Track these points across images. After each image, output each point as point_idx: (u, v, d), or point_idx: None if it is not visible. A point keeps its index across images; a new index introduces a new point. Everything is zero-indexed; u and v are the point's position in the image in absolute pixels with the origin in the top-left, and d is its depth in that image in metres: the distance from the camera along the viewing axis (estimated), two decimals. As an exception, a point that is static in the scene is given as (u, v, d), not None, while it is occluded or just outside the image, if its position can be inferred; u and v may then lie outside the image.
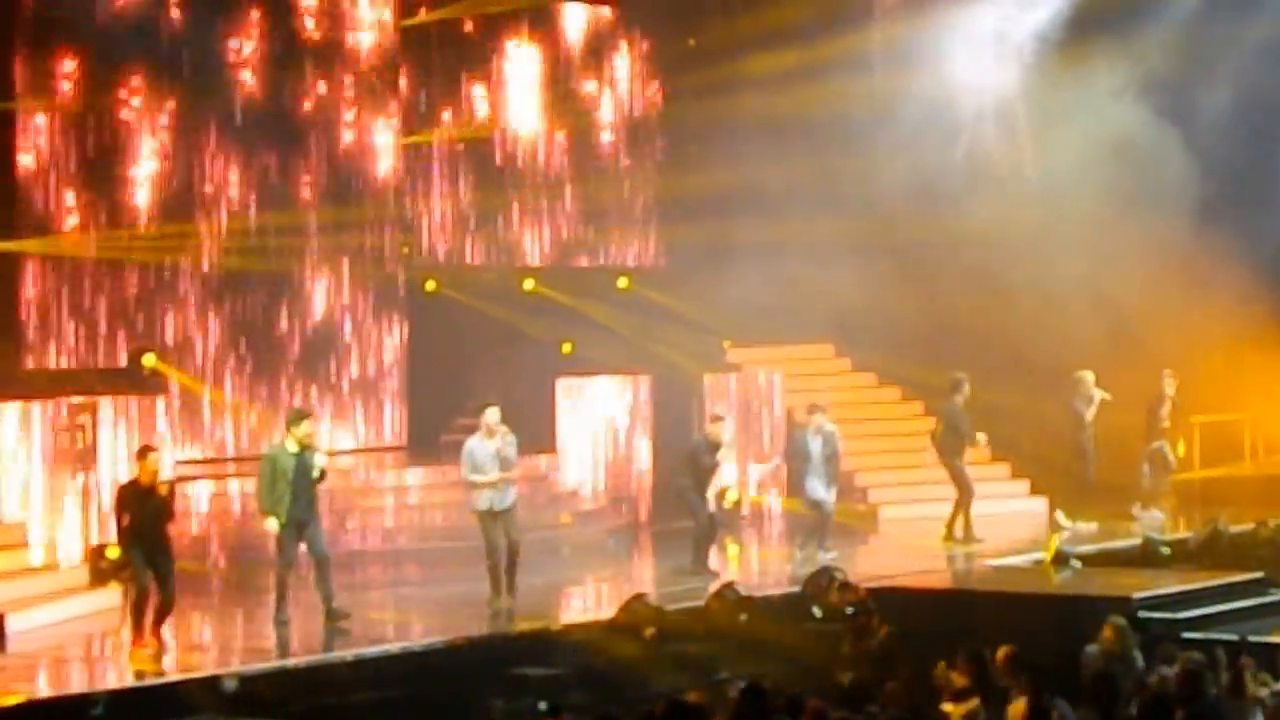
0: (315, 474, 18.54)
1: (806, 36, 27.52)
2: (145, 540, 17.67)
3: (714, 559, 21.86)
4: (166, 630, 17.92)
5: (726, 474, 26.31)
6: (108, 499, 20.97)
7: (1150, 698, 13.24)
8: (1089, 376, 24.85)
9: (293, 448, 18.57)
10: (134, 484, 17.91)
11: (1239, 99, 26.59)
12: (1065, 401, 25.01)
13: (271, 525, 18.57)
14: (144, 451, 18.10)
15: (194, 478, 23.37)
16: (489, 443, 19.65)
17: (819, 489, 22.58)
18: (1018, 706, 13.07)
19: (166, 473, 18.80)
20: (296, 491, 18.44)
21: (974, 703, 13.56)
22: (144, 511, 17.62)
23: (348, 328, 27.06)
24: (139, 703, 15.83)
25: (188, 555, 21.65)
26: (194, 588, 20.81)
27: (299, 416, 18.98)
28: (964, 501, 23.66)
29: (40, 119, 24.14)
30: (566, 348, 27.14)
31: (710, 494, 21.84)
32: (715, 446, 21.89)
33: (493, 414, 19.72)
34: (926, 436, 24.57)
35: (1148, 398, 25.20)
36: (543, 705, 13.51)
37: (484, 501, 19.67)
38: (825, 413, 22.97)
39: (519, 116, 28.54)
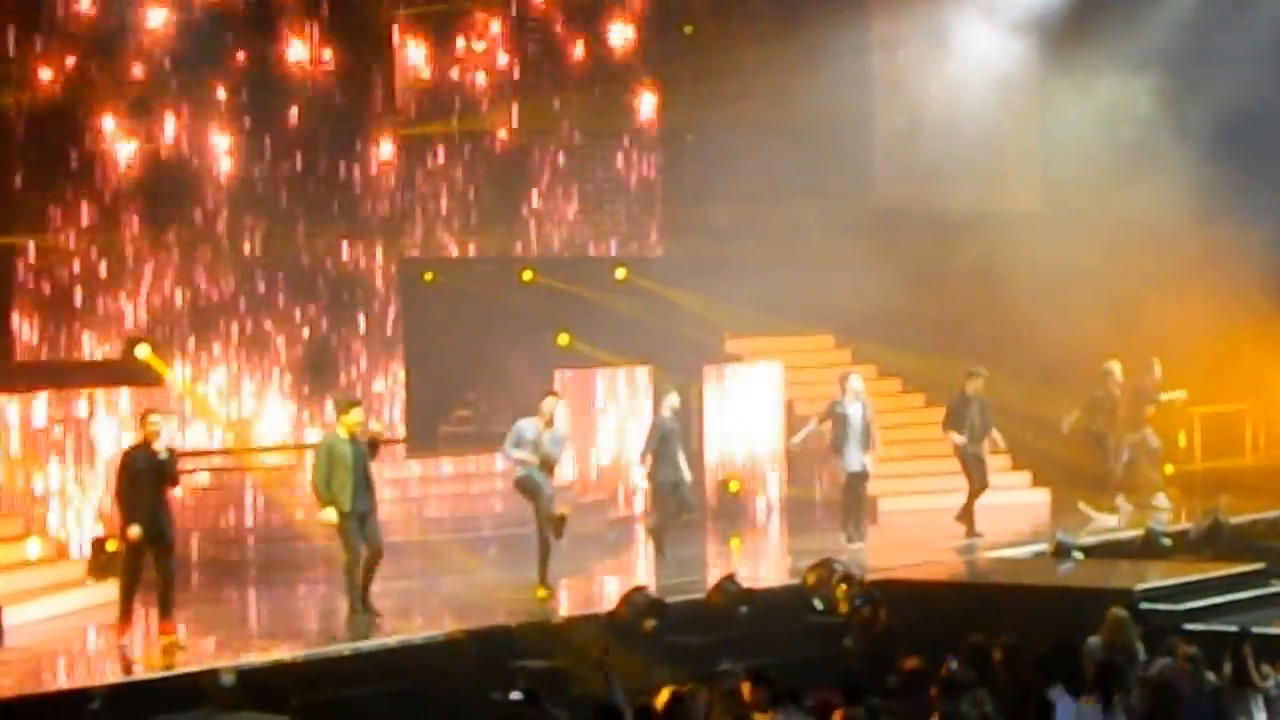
0: (368, 449, 18.37)
1: (806, 29, 27.47)
2: (148, 511, 17.47)
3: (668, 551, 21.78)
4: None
5: (729, 464, 26.50)
6: (105, 492, 20.95)
7: (1152, 688, 13.24)
8: (1117, 367, 24.70)
9: (345, 435, 18.43)
10: (138, 446, 17.73)
11: (1246, 84, 26.53)
12: (1091, 393, 24.84)
13: (330, 515, 18.39)
14: (146, 414, 17.98)
15: (190, 471, 23.33)
16: (539, 428, 19.80)
17: (858, 459, 22.52)
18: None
19: (167, 439, 18.39)
20: (356, 480, 18.30)
21: (981, 694, 13.56)
22: (149, 474, 17.46)
23: (346, 321, 27.07)
24: (136, 697, 15.75)
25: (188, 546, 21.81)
26: (191, 580, 20.85)
27: (349, 404, 18.84)
28: (970, 493, 23.59)
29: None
30: (563, 339, 27.10)
31: (676, 475, 21.76)
32: (676, 413, 21.83)
33: (549, 404, 19.89)
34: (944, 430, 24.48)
35: (1133, 387, 25.12)
36: (516, 694, 13.43)
37: (523, 469, 19.81)
38: (859, 376, 22.91)
39: (516, 107, 28.55)
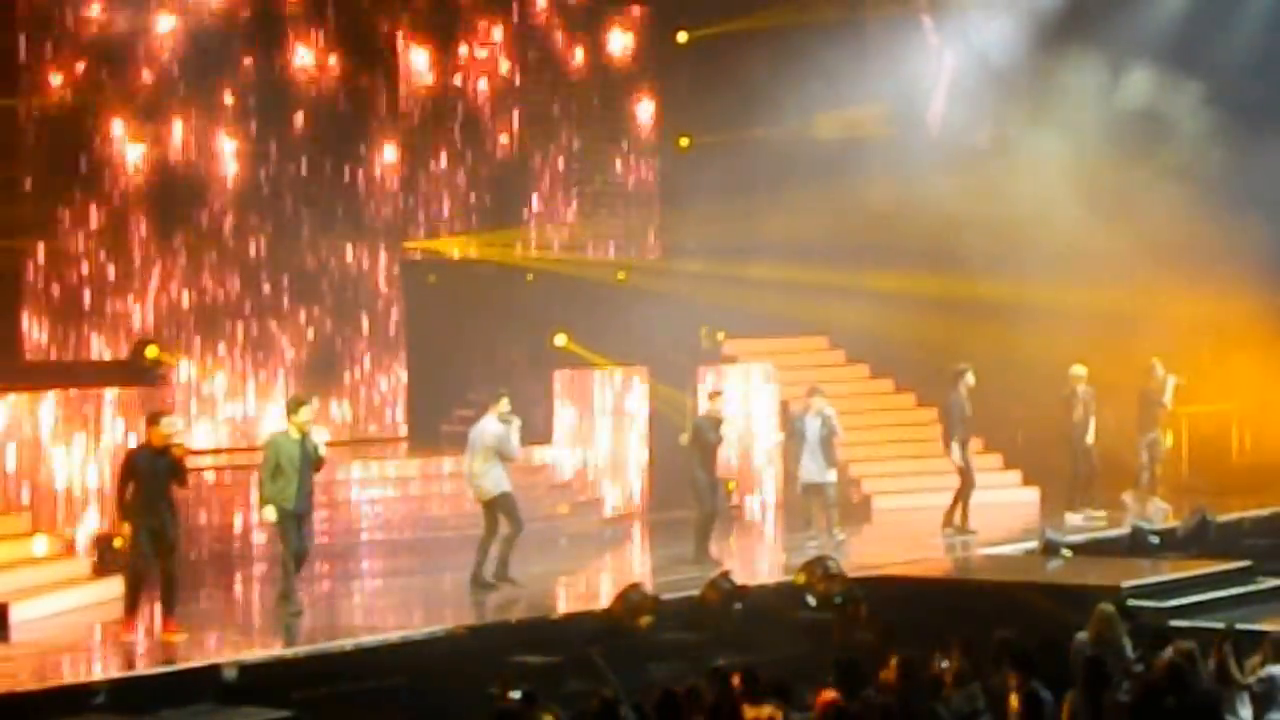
0: (315, 456, 18.52)
1: (801, 33, 27.67)
2: (149, 510, 17.60)
3: (714, 548, 22.00)
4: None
5: (724, 463, 26.68)
6: (110, 490, 21.14)
7: (1142, 686, 13.44)
8: (1081, 371, 24.98)
9: (295, 435, 18.59)
10: (144, 447, 17.83)
11: (1241, 86, 26.62)
12: (1060, 395, 25.13)
13: (269, 514, 18.65)
14: (156, 416, 18.02)
15: (203, 469, 23.58)
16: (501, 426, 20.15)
17: (814, 471, 22.78)
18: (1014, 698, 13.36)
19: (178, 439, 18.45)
20: (301, 480, 18.47)
21: (974, 687, 13.79)
22: (153, 476, 17.56)
23: (348, 319, 27.27)
24: (140, 692, 15.92)
25: (190, 544, 22.00)
26: (195, 577, 21.06)
27: (298, 403, 18.92)
28: (964, 491, 23.80)
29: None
30: (561, 340, 27.31)
31: (715, 475, 22.04)
32: (718, 422, 22.05)
33: (505, 404, 20.21)
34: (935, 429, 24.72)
35: (1140, 387, 25.34)
36: (515, 693, 13.62)
37: (506, 484, 20.13)
38: (824, 395, 23.18)
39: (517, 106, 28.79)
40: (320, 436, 18.78)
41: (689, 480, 22.12)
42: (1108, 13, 27.14)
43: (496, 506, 20.09)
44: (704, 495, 21.95)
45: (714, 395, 22.78)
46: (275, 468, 18.50)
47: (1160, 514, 24.39)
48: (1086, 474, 24.87)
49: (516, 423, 20.21)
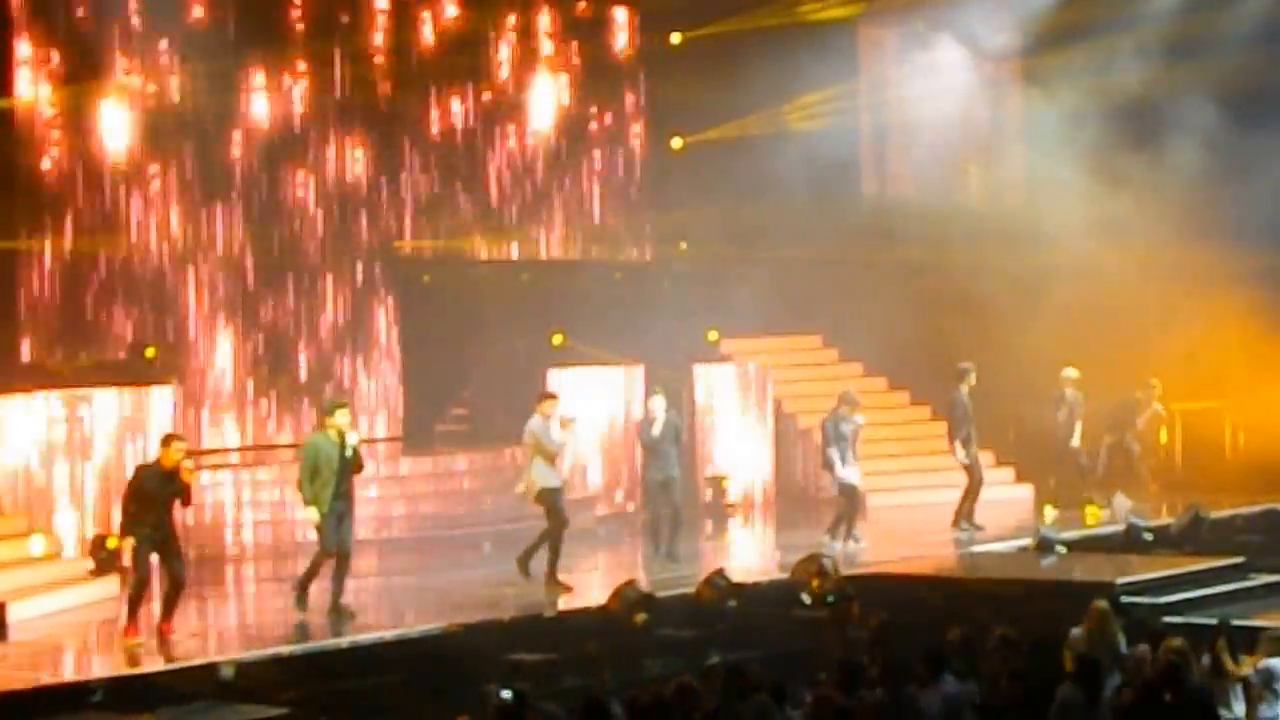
0: (353, 458, 18.47)
1: (795, 34, 27.75)
2: (153, 525, 17.59)
3: (662, 548, 22.00)
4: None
5: (720, 463, 26.79)
6: (104, 491, 21.21)
7: (1138, 682, 13.50)
8: (1072, 374, 25.02)
9: (334, 437, 18.54)
10: (155, 466, 17.77)
11: (1234, 85, 26.67)
12: (1050, 394, 25.19)
13: (311, 515, 18.59)
14: (168, 439, 17.94)
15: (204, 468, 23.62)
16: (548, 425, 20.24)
17: (853, 474, 22.83)
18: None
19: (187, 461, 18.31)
20: (338, 481, 18.45)
21: (970, 685, 13.85)
22: (160, 495, 17.56)
23: (344, 319, 27.30)
24: (137, 690, 15.96)
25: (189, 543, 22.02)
26: (193, 575, 21.09)
27: (335, 405, 18.93)
28: (969, 489, 23.78)
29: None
30: (558, 339, 27.36)
31: (663, 474, 22.06)
32: (652, 422, 22.11)
33: (550, 406, 20.38)
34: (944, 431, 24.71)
35: (1122, 393, 25.37)
36: (505, 693, 13.66)
37: (555, 478, 20.26)
38: (857, 405, 23.18)
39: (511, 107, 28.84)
40: (352, 439, 18.68)
41: (644, 479, 22.43)
42: (1106, 4, 27.18)
43: (540, 500, 20.22)
44: (653, 495, 22.16)
45: (650, 395, 22.78)
46: (313, 469, 18.51)
47: (1126, 510, 24.41)
48: (1072, 475, 24.96)
49: (565, 418, 20.35)
